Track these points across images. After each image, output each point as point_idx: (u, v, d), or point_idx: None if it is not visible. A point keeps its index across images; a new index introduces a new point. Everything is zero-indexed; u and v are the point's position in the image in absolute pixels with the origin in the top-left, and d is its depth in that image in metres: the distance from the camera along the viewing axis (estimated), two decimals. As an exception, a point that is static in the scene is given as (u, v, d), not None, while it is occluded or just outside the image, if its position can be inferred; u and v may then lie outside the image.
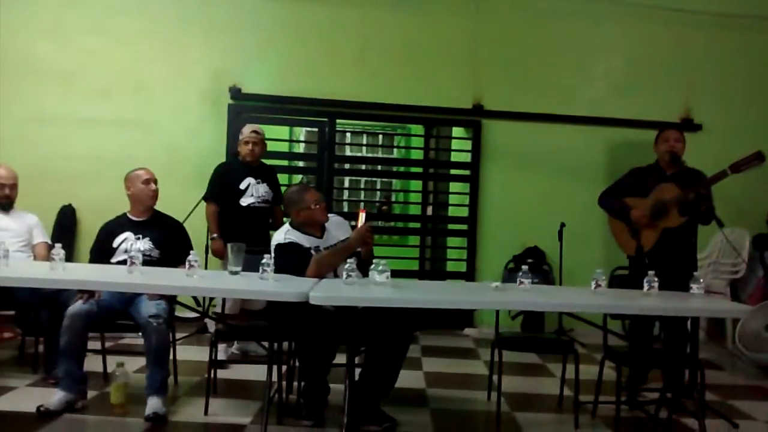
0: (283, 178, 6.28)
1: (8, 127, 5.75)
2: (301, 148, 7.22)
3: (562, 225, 5.67)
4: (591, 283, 3.37)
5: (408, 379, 3.77)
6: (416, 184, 6.95)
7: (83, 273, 3.47)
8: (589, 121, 6.24)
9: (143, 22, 5.95)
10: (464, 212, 6.32)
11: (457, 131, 6.84)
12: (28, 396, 3.75)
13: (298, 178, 7.42)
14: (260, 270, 3.24)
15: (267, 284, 3.16)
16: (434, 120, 6.49)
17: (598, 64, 6.36)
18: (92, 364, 3.85)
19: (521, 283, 3.29)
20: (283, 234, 3.63)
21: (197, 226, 4.66)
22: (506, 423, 3.65)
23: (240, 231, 4.57)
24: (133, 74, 5.93)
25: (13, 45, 5.82)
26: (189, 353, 4.64)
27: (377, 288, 3.16)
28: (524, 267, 3.37)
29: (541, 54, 6.31)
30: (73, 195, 5.77)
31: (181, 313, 4.58)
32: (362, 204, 7.36)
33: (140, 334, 3.71)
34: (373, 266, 3.26)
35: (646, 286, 3.28)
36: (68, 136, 5.82)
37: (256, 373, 4.33)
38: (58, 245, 3.33)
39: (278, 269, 3.29)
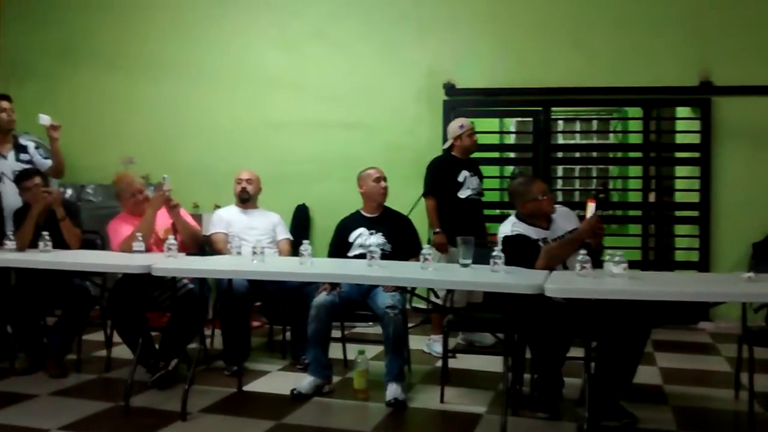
0: (494, 170, 6.31)
1: (249, 134, 6.34)
2: (511, 140, 7.16)
3: (813, 208, 5.10)
4: None
5: (642, 374, 3.60)
6: (635, 170, 6.62)
7: (329, 267, 3.74)
8: (841, 90, 5.54)
9: (362, 27, 6.27)
10: (694, 197, 5.90)
11: (681, 111, 6.41)
12: (280, 379, 4.12)
13: (509, 169, 7.41)
14: (491, 262, 3.28)
15: (499, 276, 3.19)
16: (654, 101, 6.14)
17: None
18: (332, 351, 4.11)
19: (779, 273, 3.02)
20: (509, 226, 3.64)
21: (416, 221, 4.78)
22: (762, 424, 3.37)
23: (459, 223, 4.65)
24: (354, 77, 6.26)
25: (249, 58, 6.41)
26: (414, 343, 4.81)
27: (613, 280, 3.07)
28: (780, 255, 3.09)
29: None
30: (306, 194, 6.23)
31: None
32: (577, 193, 7.17)
33: (371, 323, 3.92)
34: (608, 257, 3.17)
35: None
36: (299, 139, 6.29)
37: (483, 363, 4.40)
38: (306, 242, 3.63)
39: (507, 261, 3.31)
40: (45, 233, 4.03)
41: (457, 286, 3.71)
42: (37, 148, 4.70)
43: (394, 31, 6.23)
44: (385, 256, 3.92)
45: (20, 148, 4.59)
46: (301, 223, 6.12)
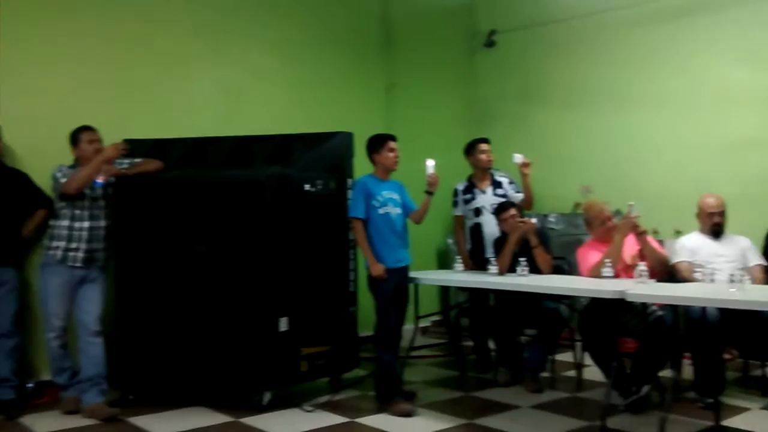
0: None
1: (711, 155, 5.91)
2: None
3: None
4: None
5: None
6: None
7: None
8: None
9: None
10: None
11: None
12: (762, 418, 3.83)
13: None
14: None
15: None
16: None
17: None
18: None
19: None
20: None
21: None
22: None
23: None
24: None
25: (710, 76, 6.03)
26: None
27: None
28: None
29: None
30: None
31: None
32: None
33: None
34: None
35: None
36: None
37: None
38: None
39: None
40: (522, 259, 4.46)
41: None
42: (510, 183, 5.23)
43: None
44: None
45: (496, 184, 5.17)
46: (773, 249, 5.54)
